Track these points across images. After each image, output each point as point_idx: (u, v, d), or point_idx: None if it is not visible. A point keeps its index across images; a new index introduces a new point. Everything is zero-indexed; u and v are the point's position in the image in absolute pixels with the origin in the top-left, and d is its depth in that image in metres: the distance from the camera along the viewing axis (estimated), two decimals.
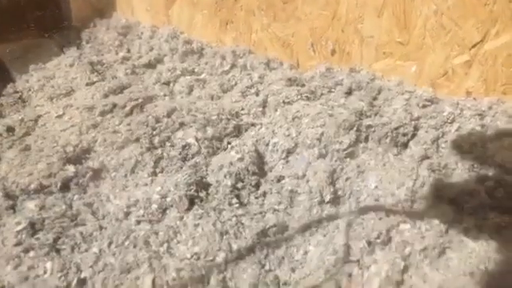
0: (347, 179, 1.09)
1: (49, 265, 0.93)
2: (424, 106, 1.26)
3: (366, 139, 1.19)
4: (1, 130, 1.35)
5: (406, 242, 0.91)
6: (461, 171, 1.05)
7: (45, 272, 0.92)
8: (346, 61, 1.49)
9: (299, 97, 1.37)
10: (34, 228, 1.02)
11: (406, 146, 1.18)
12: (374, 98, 1.33)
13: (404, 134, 1.18)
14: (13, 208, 1.09)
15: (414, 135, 1.19)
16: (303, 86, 1.44)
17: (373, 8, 1.39)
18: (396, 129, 1.18)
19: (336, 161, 1.13)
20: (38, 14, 1.67)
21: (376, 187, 1.05)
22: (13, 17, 1.60)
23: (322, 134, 1.17)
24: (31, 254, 0.96)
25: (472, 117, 1.19)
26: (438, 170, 1.06)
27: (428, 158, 1.11)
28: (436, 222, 0.93)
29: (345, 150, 1.15)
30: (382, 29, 1.39)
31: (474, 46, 1.23)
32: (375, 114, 1.26)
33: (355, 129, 1.18)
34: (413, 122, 1.20)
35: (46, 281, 0.91)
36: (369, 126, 1.19)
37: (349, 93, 1.37)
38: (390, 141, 1.18)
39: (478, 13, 1.19)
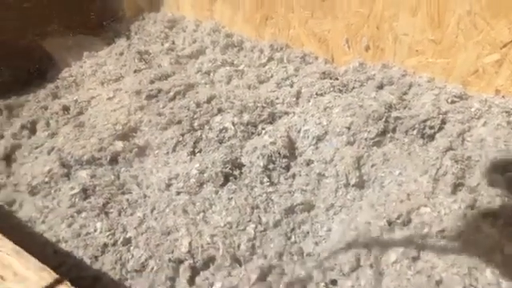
0: (373, 165, 1.16)
1: (98, 225, 1.05)
2: (453, 102, 1.31)
3: (394, 130, 1.24)
4: (57, 109, 1.50)
5: (424, 224, 0.97)
6: (483, 163, 1.10)
7: (95, 230, 1.04)
8: (379, 57, 1.55)
9: (332, 89, 1.44)
10: (85, 193, 1.14)
11: (432, 138, 1.23)
12: (404, 93, 1.39)
13: (431, 127, 1.23)
14: (67, 176, 1.22)
15: (440, 128, 1.24)
16: (336, 79, 1.51)
17: (408, 7, 1.44)
18: (423, 121, 1.23)
19: (363, 148, 1.20)
20: (93, 7, 1.82)
21: (400, 174, 1.12)
22: (72, 9, 1.75)
23: (352, 123, 1.24)
24: (83, 214, 1.08)
25: (499, 113, 1.23)
26: (461, 160, 1.10)
27: (453, 149, 1.16)
28: (455, 207, 0.99)
29: (372, 138, 1.21)
30: (416, 27, 1.44)
31: (504, 46, 1.27)
32: (404, 107, 1.31)
33: (383, 120, 1.24)
34: (440, 116, 1.25)
35: (95, 238, 1.03)
36: (397, 118, 1.25)
37: (380, 87, 1.43)
38: (417, 132, 1.23)
39: (509, 13, 1.23)
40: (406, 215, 1.00)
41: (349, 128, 1.23)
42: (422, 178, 1.08)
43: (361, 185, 1.13)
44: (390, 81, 1.45)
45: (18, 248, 0.74)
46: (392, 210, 1.01)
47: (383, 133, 1.23)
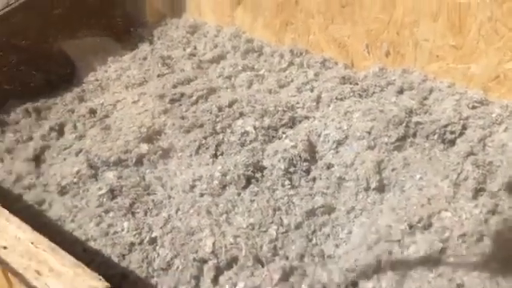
0: (393, 169, 1.17)
1: (125, 224, 1.09)
2: (474, 107, 1.31)
3: (414, 135, 1.25)
4: (84, 112, 1.54)
5: (445, 228, 0.98)
6: (505, 168, 1.10)
7: (122, 230, 1.08)
8: (399, 62, 1.56)
9: (352, 94, 1.46)
10: (113, 194, 1.18)
11: (452, 143, 1.23)
12: (425, 98, 1.40)
13: (452, 132, 1.24)
14: (95, 177, 1.26)
15: (461, 133, 1.24)
16: (356, 84, 1.53)
17: (429, 13, 1.45)
18: (444, 126, 1.24)
19: (383, 152, 1.21)
20: (119, 14, 1.88)
21: (421, 178, 1.13)
22: (99, 16, 1.81)
23: (372, 127, 1.25)
24: (111, 214, 1.12)
25: None
26: (482, 166, 1.11)
27: (474, 154, 1.16)
28: (476, 212, 1.00)
29: (393, 143, 1.22)
30: (437, 33, 1.45)
31: None
32: (425, 112, 1.32)
33: (404, 124, 1.25)
34: (461, 121, 1.26)
35: (123, 237, 1.06)
36: (417, 123, 1.26)
37: (400, 92, 1.44)
38: (438, 137, 1.24)
39: None
40: (427, 219, 1.01)
41: (369, 132, 1.25)
42: (442, 182, 1.09)
43: (381, 189, 1.15)
44: (410, 86, 1.46)
45: (53, 245, 0.78)
46: (413, 213, 1.02)
47: (404, 137, 1.24)
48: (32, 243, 0.78)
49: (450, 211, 1.01)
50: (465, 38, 1.39)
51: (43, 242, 0.79)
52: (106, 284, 0.70)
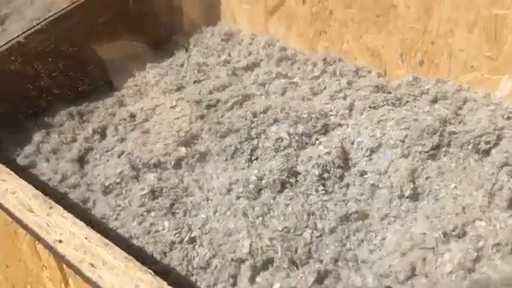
0: (427, 178, 1.18)
1: (166, 223, 1.14)
2: (509, 118, 1.31)
3: (449, 144, 1.26)
4: (125, 116, 1.62)
5: (479, 237, 0.99)
6: None
7: (163, 229, 1.13)
8: (433, 72, 1.57)
9: (385, 102, 1.48)
10: (154, 194, 1.24)
11: (487, 153, 1.24)
12: (459, 108, 1.40)
13: (486, 142, 1.24)
14: (136, 178, 1.32)
15: (496, 144, 1.25)
16: (389, 93, 1.55)
17: (464, 24, 1.46)
18: (479, 136, 1.25)
19: (417, 161, 1.23)
20: (159, 23, 1.96)
21: (455, 187, 1.14)
22: (138, 25, 1.89)
23: (406, 136, 1.27)
24: (152, 214, 1.18)
25: None
26: None
27: (509, 165, 1.17)
28: (510, 222, 1.00)
29: (427, 152, 1.24)
30: (472, 43, 1.45)
31: None
32: (459, 122, 1.33)
33: (438, 134, 1.27)
34: (496, 132, 1.26)
35: (164, 235, 1.12)
36: (452, 133, 1.27)
37: (434, 101, 1.45)
38: (472, 147, 1.24)
39: None
40: (462, 228, 1.02)
41: (403, 141, 1.27)
42: (477, 192, 1.10)
43: (415, 197, 1.16)
44: (444, 95, 1.46)
45: (105, 240, 0.84)
46: (447, 222, 1.03)
47: (438, 147, 1.25)
48: (86, 238, 0.84)
49: (484, 220, 1.02)
50: (500, 48, 1.40)
51: (96, 237, 0.85)
52: (155, 277, 0.75)
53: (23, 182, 1.00)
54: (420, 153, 1.24)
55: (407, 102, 1.48)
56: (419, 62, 1.60)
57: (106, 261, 0.80)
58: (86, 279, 0.77)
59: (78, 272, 0.79)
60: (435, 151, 1.25)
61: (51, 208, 0.92)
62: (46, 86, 1.59)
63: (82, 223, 0.87)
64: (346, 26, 1.78)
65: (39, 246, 0.89)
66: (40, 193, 0.96)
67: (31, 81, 1.53)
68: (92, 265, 0.79)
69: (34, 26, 1.60)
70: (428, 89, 1.51)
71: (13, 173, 1.02)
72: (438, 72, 1.56)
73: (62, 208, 0.92)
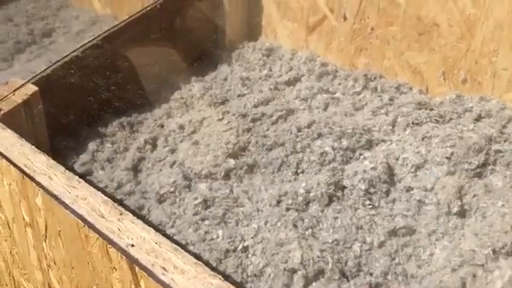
0: (474, 196, 1.21)
1: (220, 232, 1.20)
2: None
3: (495, 163, 1.29)
4: (174, 127, 1.69)
5: None
6: None
7: (217, 237, 1.19)
8: (476, 90, 1.60)
9: (428, 119, 1.51)
10: (206, 204, 1.30)
11: None
12: (504, 126, 1.42)
13: None
14: (188, 187, 1.39)
15: None
16: (432, 109, 1.58)
17: (508, 43, 1.48)
18: None
19: (464, 179, 1.25)
20: (202, 38, 2.06)
21: (503, 205, 1.16)
22: (184, 40, 1.99)
23: (452, 153, 1.30)
24: (206, 222, 1.24)
25: None
26: None
27: None
28: None
29: (473, 170, 1.26)
30: None
31: None
32: (504, 141, 1.35)
33: (484, 152, 1.29)
34: None
35: (218, 243, 1.17)
36: (498, 151, 1.30)
37: (478, 119, 1.48)
38: None
39: None
40: (511, 245, 1.04)
41: (449, 158, 1.30)
42: None
43: (462, 214, 1.19)
44: (488, 114, 1.49)
45: (174, 245, 0.90)
46: (496, 239, 1.06)
47: (484, 165, 1.28)
48: (156, 243, 0.90)
49: None
50: None
51: (165, 242, 0.91)
52: (225, 282, 0.80)
53: (92, 188, 1.07)
54: (466, 170, 1.27)
55: (451, 119, 1.51)
56: (462, 80, 1.63)
57: (176, 265, 0.85)
58: (159, 281, 0.83)
59: (151, 274, 0.86)
60: (481, 169, 1.27)
61: (121, 214, 0.98)
62: (104, 99, 1.70)
63: (151, 229, 0.94)
64: (388, 43, 1.82)
65: (111, 250, 0.95)
66: (109, 199, 1.02)
67: (90, 93, 1.64)
68: (164, 268, 0.85)
69: (89, 41, 1.71)
70: (471, 107, 1.53)
71: (82, 180, 1.10)
72: (480, 90, 1.59)
73: (131, 214, 0.98)
